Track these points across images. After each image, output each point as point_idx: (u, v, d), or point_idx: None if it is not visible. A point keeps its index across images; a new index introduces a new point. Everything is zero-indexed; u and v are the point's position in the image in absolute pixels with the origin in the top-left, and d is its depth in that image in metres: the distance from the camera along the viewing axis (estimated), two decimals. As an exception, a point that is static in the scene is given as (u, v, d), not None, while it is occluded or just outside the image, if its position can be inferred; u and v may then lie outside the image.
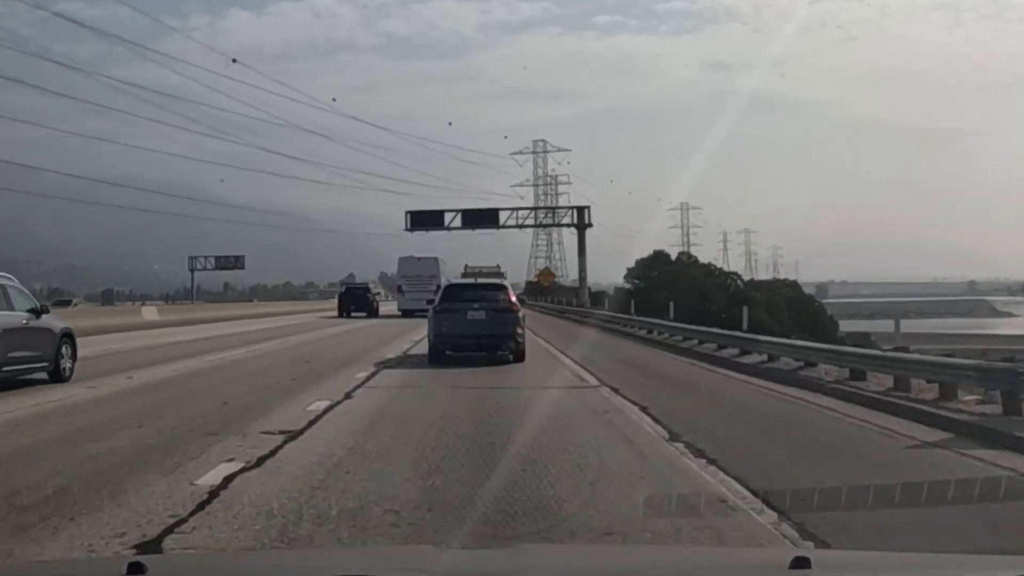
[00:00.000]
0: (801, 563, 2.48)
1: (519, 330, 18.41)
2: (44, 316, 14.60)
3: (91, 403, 12.09)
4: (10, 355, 13.23)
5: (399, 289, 48.77)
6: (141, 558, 2.62)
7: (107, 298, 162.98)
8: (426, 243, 61.20)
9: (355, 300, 48.94)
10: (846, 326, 60.52)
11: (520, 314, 18.92)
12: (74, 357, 15.13)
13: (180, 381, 15.01)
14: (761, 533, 5.51)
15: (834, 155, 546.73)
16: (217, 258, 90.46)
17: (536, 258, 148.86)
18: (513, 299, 19.19)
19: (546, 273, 77.30)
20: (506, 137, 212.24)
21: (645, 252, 67.08)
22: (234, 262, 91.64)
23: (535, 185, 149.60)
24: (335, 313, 48.43)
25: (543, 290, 76.19)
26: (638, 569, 2.97)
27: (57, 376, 14.35)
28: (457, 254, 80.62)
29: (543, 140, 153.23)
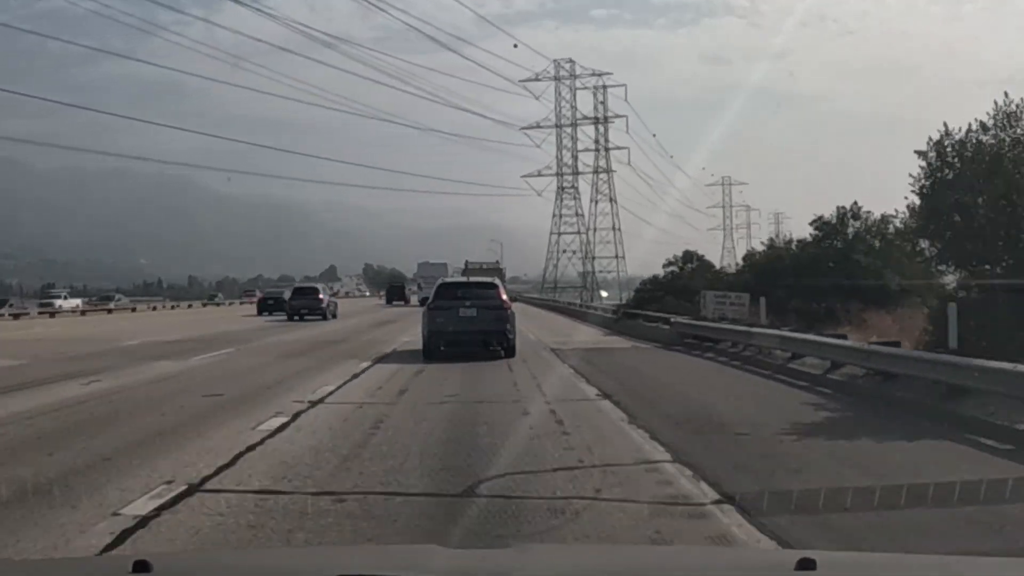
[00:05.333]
0: (807, 564, 2.53)
1: (509, 326, 19.56)
2: (332, 296, 50.74)
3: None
4: (331, 311, 43.22)
5: (419, 286, 65.44)
6: (147, 556, 2.70)
7: (46, 294, 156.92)
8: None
9: (397, 294, 73.27)
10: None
11: (510, 311, 20.03)
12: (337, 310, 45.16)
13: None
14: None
15: (835, 150, 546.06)
16: None
17: (559, 233, 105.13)
18: (504, 297, 20.40)
19: None
20: (516, 45, 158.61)
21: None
22: None
23: (558, 126, 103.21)
24: (383, 302, 73.41)
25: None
26: (642, 570, 3.02)
27: (335, 316, 42.72)
28: (464, 255, 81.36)
29: (570, 60, 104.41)
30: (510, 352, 19.25)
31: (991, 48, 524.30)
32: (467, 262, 67.02)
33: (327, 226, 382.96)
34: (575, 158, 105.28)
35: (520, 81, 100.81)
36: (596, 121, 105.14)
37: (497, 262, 71.85)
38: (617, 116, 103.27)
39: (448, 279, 26.60)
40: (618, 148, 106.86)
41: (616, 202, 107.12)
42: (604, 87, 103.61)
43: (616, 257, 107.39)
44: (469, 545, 5.29)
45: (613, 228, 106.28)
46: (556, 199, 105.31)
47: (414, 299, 66.94)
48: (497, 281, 22.22)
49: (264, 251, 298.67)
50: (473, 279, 24.84)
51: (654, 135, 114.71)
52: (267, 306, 48.38)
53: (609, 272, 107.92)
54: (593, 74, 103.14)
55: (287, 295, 45.45)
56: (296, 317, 40.70)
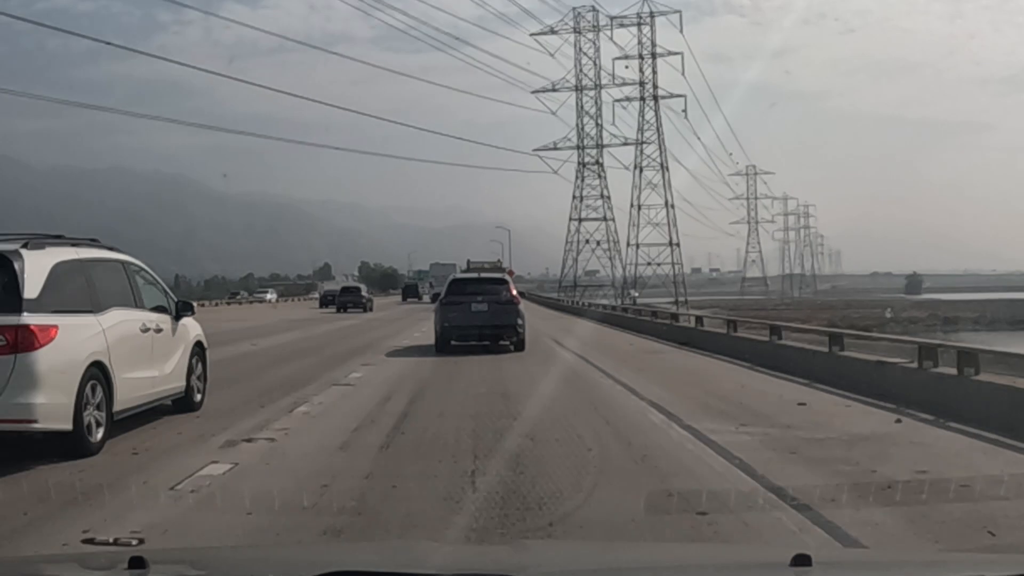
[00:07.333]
0: (802, 560, 2.56)
1: (519, 321, 19.92)
2: (368, 293, 61.28)
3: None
4: (369, 306, 54.18)
5: (430, 285, 70.86)
6: (143, 552, 2.71)
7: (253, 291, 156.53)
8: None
9: (412, 292, 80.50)
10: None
11: (520, 306, 20.47)
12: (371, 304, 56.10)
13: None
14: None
15: (835, 148, 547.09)
16: None
17: (580, 219, 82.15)
18: (514, 293, 20.83)
19: None
20: None
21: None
22: None
23: (578, 88, 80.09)
24: (400, 300, 79.63)
25: None
26: (640, 566, 3.06)
27: (371, 310, 52.43)
28: (464, 253, 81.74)
29: (592, 8, 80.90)
30: (520, 347, 19.62)
31: (993, 46, 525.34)
32: (469, 261, 67.90)
33: (324, 225, 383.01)
34: (599, 127, 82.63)
35: (532, 34, 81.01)
36: (640, 64, 79.96)
37: (499, 260, 71.57)
38: (671, 53, 79.85)
39: (459, 275, 27.48)
40: (671, 96, 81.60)
41: (668, 170, 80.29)
42: (651, 15, 79.07)
43: (671, 245, 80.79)
44: (468, 540, 5.30)
45: (666, 204, 79.92)
46: (576, 178, 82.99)
47: (426, 297, 72.05)
48: (507, 277, 23.01)
49: (261, 250, 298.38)
50: (484, 275, 25.46)
51: (683, 110, 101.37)
52: (327, 301, 60.04)
53: (659, 264, 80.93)
54: (621, 24, 79.42)
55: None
56: (342, 310, 52.07)
